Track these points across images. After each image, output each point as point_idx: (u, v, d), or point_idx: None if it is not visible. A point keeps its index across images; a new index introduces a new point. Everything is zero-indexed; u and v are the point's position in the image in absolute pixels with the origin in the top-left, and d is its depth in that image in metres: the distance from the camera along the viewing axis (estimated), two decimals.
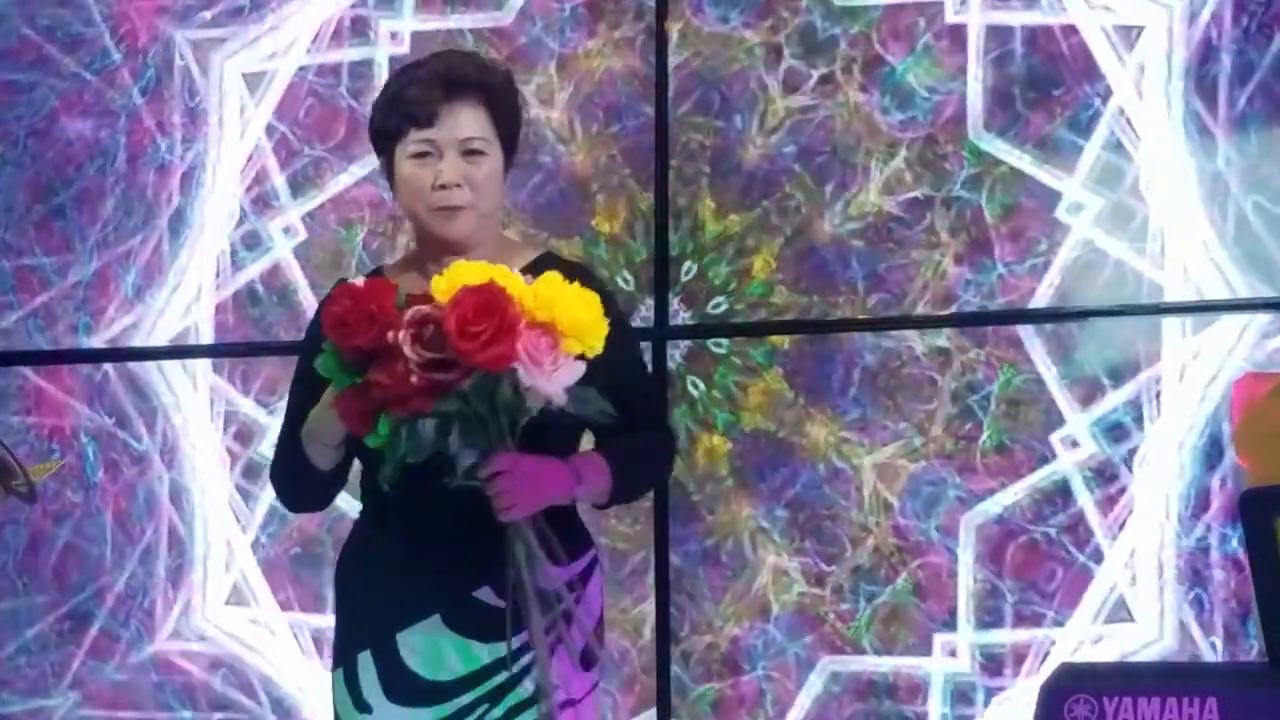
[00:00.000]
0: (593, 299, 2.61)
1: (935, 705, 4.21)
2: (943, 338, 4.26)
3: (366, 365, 2.58)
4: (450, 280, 2.59)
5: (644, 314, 4.33)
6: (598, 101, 4.47)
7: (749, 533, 4.33)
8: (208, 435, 4.61)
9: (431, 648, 2.77)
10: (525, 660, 2.74)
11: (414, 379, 2.54)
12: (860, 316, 4.29)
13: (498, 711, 2.76)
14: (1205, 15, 4.12)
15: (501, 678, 2.75)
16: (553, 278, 2.61)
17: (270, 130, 4.60)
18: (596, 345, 2.60)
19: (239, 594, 4.57)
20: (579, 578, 2.83)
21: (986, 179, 4.25)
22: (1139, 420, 4.11)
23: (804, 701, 4.26)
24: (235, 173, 4.61)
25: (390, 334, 2.55)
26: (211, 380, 4.63)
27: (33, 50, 4.70)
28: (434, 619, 2.76)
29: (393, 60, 4.47)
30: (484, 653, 2.75)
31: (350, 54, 4.57)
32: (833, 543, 4.28)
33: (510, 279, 2.60)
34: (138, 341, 4.62)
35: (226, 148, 4.62)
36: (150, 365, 4.63)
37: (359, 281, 2.66)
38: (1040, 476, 4.18)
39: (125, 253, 4.66)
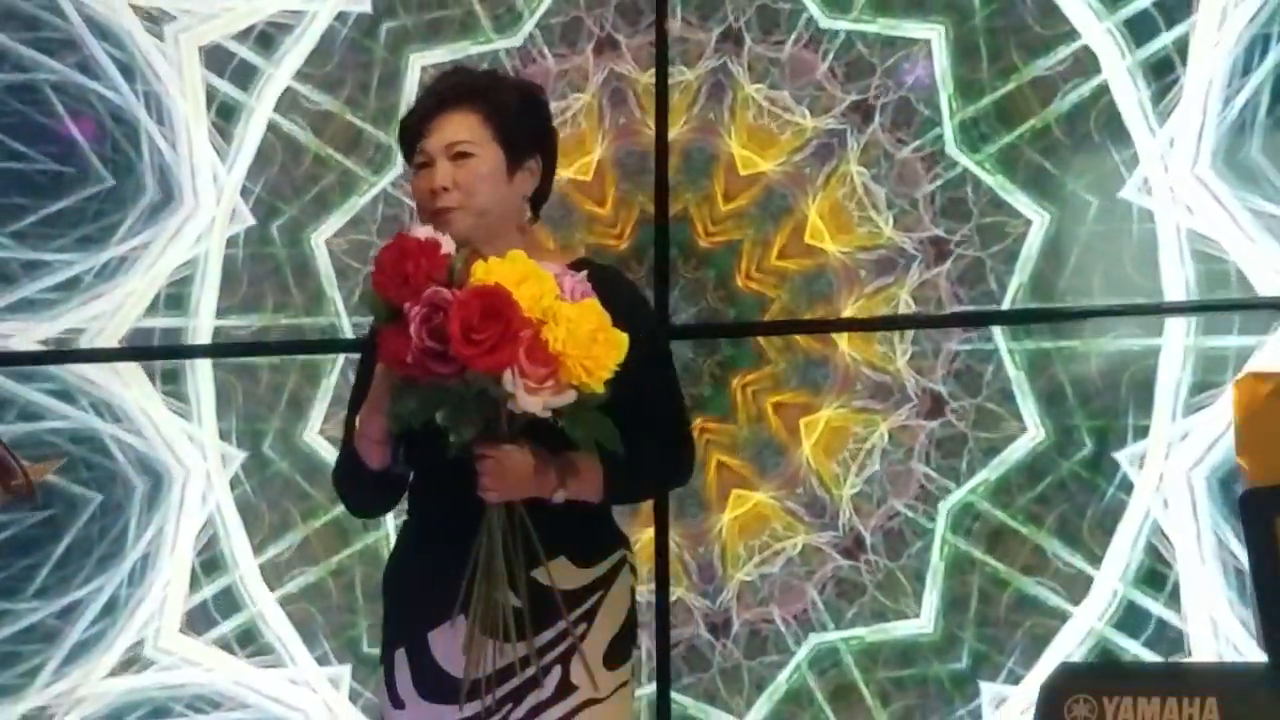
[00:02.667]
0: (620, 340, 2.65)
1: None
2: (938, 380, 4.28)
3: (394, 315, 2.64)
4: (488, 270, 2.64)
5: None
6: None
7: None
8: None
9: (459, 647, 2.81)
10: (550, 658, 2.81)
11: (409, 358, 2.60)
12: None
13: (520, 711, 2.82)
14: None
15: (517, 681, 2.79)
16: (592, 307, 2.66)
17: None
18: (596, 386, 2.64)
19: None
20: (603, 578, 2.89)
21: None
22: None
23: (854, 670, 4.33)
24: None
25: (408, 305, 2.61)
26: None
27: None
28: (461, 619, 2.80)
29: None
30: (509, 652, 2.77)
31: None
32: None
33: (545, 285, 2.64)
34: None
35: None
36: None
37: (423, 234, 2.70)
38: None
39: None
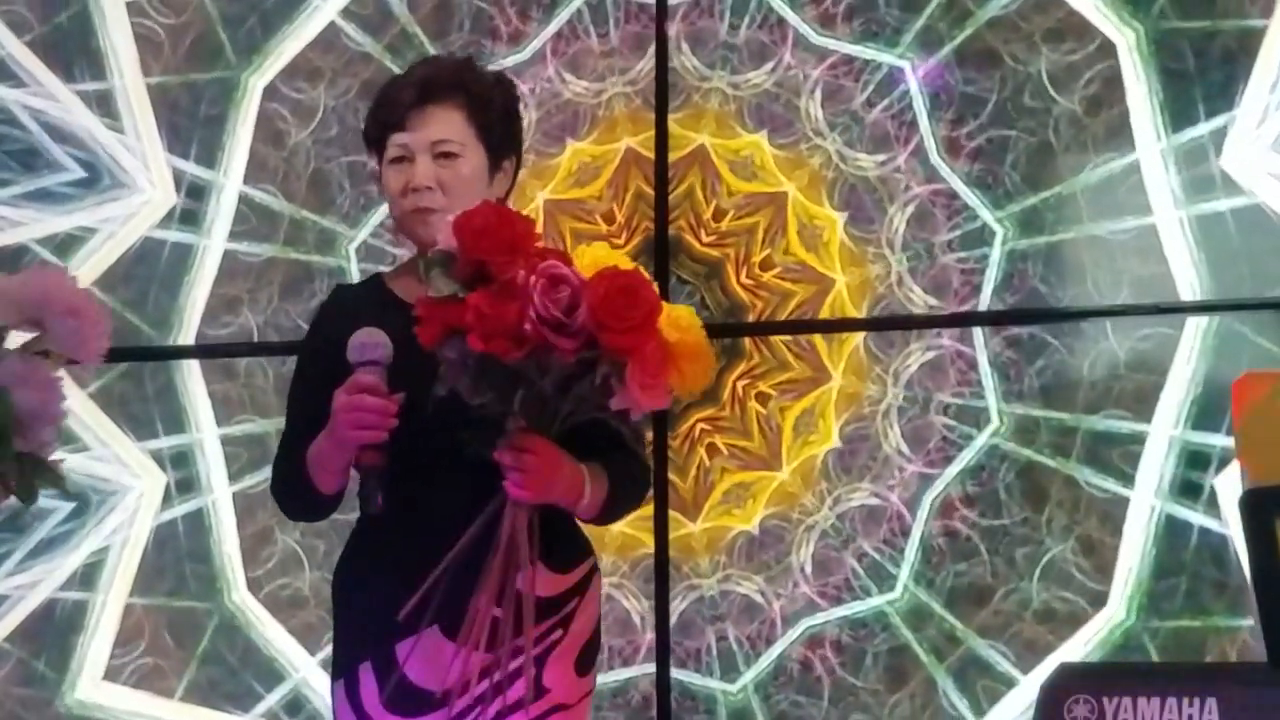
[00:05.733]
0: (710, 352, 2.61)
1: None
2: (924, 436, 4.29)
3: (472, 284, 2.53)
4: (592, 257, 2.56)
5: None
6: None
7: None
8: None
9: (430, 658, 2.75)
10: (516, 664, 2.73)
11: (527, 325, 2.48)
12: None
13: (490, 713, 2.75)
14: None
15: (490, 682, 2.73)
16: (689, 312, 2.61)
17: None
18: (694, 389, 2.62)
19: None
20: (578, 586, 2.87)
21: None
22: None
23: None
24: None
25: (520, 274, 2.49)
26: None
27: None
28: (432, 629, 2.73)
29: None
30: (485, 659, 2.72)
31: None
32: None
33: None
34: None
35: None
36: None
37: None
38: None
39: None
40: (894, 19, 4.45)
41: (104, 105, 4.78)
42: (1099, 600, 4.26)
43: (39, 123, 4.78)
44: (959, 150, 4.38)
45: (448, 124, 2.81)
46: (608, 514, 2.84)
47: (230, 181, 4.71)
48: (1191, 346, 4.24)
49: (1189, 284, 4.28)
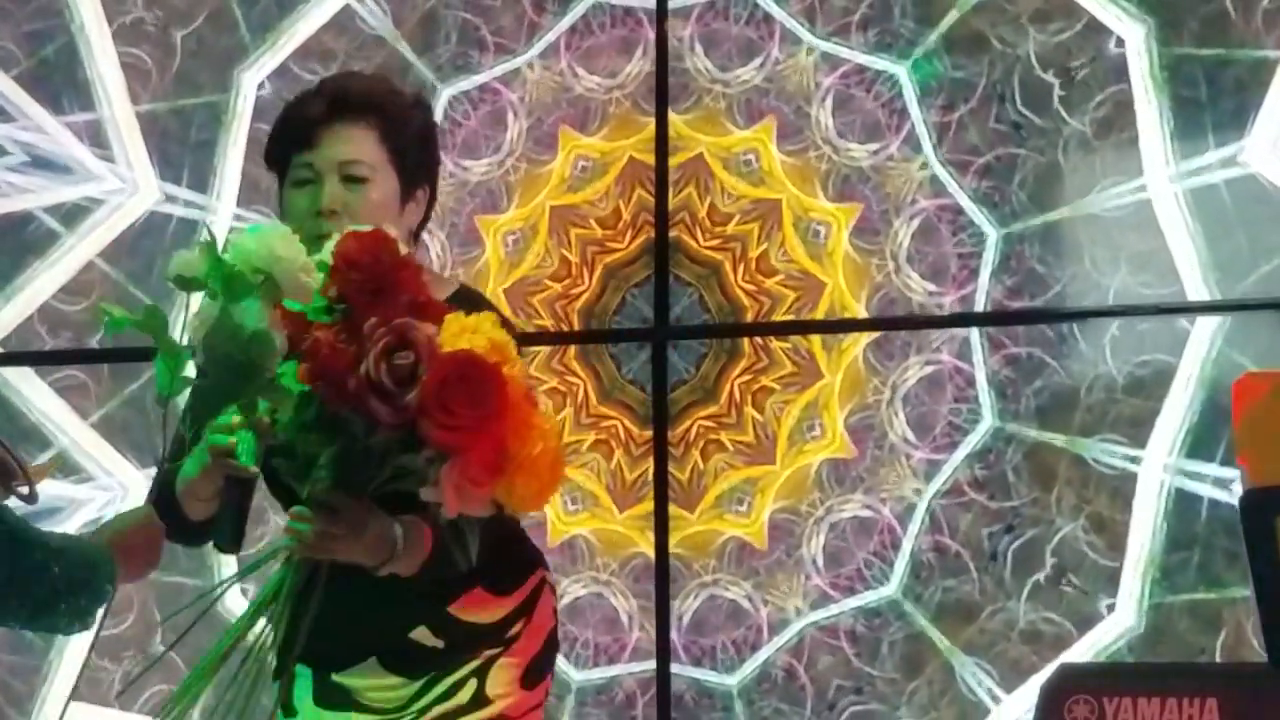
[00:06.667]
0: (558, 471, 2.35)
1: None
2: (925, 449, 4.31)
3: (333, 310, 2.32)
4: (462, 327, 2.29)
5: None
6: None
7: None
8: None
9: (369, 686, 2.66)
10: (465, 672, 2.65)
11: (351, 382, 2.24)
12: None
13: None
14: None
15: (431, 696, 2.65)
16: (551, 423, 2.36)
17: None
18: (524, 509, 2.40)
19: None
20: (523, 606, 2.71)
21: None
22: None
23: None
24: None
25: (370, 323, 2.27)
26: None
27: None
28: (370, 661, 2.66)
29: None
30: (418, 686, 2.65)
31: None
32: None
33: (516, 369, 2.30)
34: None
35: None
36: None
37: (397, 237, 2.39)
38: None
39: None
40: (909, 31, 4.43)
41: (93, 135, 4.79)
42: (1089, 620, 4.26)
43: (30, 155, 4.78)
44: (967, 168, 4.38)
45: (359, 144, 2.61)
46: (432, 572, 2.54)
47: (223, 204, 4.71)
48: (1190, 375, 4.22)
49: (1186, 257, 4.27)
